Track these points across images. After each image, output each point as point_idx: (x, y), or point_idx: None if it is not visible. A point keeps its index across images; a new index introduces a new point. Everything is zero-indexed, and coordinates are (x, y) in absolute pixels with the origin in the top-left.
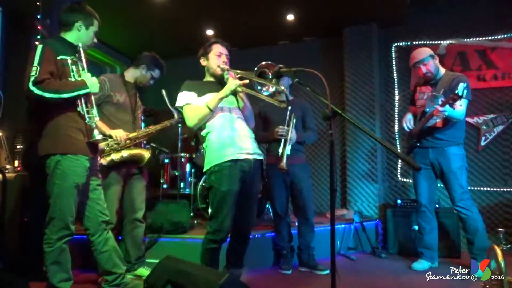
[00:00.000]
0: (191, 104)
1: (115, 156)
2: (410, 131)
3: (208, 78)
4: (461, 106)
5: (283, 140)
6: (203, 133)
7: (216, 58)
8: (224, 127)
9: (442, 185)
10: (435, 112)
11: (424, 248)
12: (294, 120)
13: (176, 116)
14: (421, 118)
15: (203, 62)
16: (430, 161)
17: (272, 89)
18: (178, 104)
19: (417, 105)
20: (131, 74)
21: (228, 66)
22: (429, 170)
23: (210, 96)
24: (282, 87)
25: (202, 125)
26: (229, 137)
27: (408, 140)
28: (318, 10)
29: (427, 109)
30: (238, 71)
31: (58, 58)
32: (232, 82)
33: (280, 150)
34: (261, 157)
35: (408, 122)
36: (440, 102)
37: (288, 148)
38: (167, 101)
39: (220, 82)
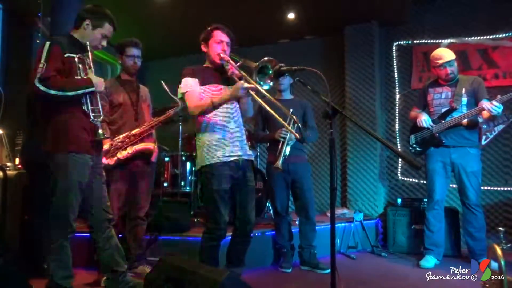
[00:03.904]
0: (195, 91)
1: (121, 155)
2: (431, 131)
3: (208, 64)
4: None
5: (281, 140)
6: (196, 132)
7: (216, 46)
8: (216, 129)
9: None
10: (490, 106)
11: (433, 245)
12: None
13: (180, 103)
14: (441, 117)
15: (203, 48)
16: (451, 161)
17: (270, 83)
18: (181, 91)
19: (433, 105)
20: (123, 69)
21: (228, 53)
22: (448, 169)
23: (212, 88)
24: (266, 87)
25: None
26: (220, 139)
27: (424, 139)
28: (319, 8)
29: (443, 109)
30: (240, 59)
31: (65, 55)
32: (239, 89)
33: (278, 149)
34: (251, 157)
35: (428, 121)
36: (464, 101)
37: (287, 148)
38: (167, 90)
39: (220, 70)
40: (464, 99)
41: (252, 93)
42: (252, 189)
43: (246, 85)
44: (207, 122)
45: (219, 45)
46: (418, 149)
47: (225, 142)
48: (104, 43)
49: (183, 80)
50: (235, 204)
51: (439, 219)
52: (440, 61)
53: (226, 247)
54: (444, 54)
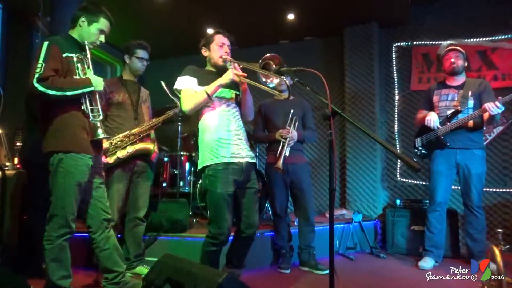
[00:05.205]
0: (191, 88)
1: (121, 154)
2: (436, 133)
3: (210, 68)
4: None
5: (282, 140)
6: (198, 132)
7: (218, 49)
8: (218, 129)
9: (457, 187)
10: (492, 105)
11: (433, 247)
12: (295, 121)
13: (179, 104)
14: (446, 119)
15: (204, 52)
16: (457, 163)
17: (276, 81)
18: (177, 86)
19: (439, 107)
20: (127, 70)
21: (229, 57)
22: (453, 171)
23: None
24: (284, 78)
25: (196, 110)
26: (223, 140)
27: (430, 142)
28: (318, 9)
29: (449, 111)
30: (242, 62)
31: (64, 55)
32: (232, 71)
33: (279, 150)
34: (253, 160)
35: (437, 122)
36: (470, 104)
37: (287, 149)
38: (167, 91)
39: (221, 73)
40: (471, 102)
41: (251, 81)
42: (256, 191)
43: (236, 71)
44: (209, 122)
45: (221, 48)
46: (423, 151)
47: (229, 142)
48: (102, 38)
49: (181, 77)
50: (237, 206)
51: (440, 221)
52: (447, 49)
53: (227, 247)
54: (457, 46)
